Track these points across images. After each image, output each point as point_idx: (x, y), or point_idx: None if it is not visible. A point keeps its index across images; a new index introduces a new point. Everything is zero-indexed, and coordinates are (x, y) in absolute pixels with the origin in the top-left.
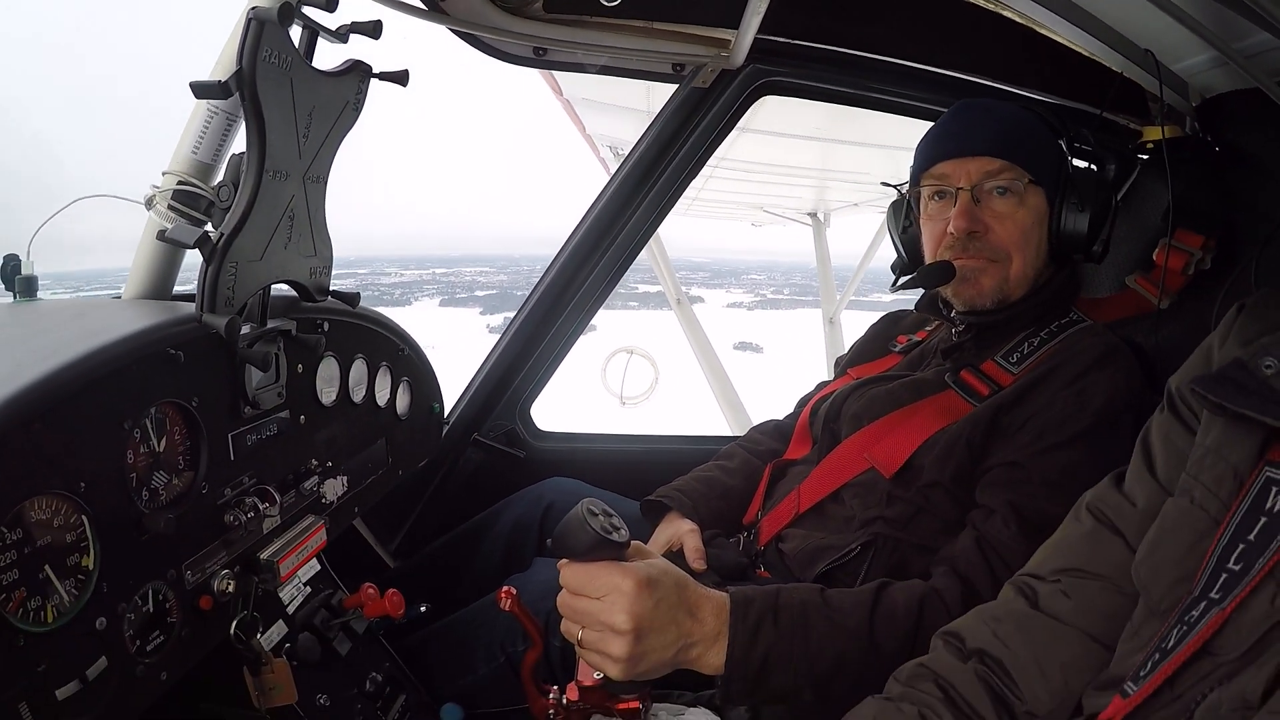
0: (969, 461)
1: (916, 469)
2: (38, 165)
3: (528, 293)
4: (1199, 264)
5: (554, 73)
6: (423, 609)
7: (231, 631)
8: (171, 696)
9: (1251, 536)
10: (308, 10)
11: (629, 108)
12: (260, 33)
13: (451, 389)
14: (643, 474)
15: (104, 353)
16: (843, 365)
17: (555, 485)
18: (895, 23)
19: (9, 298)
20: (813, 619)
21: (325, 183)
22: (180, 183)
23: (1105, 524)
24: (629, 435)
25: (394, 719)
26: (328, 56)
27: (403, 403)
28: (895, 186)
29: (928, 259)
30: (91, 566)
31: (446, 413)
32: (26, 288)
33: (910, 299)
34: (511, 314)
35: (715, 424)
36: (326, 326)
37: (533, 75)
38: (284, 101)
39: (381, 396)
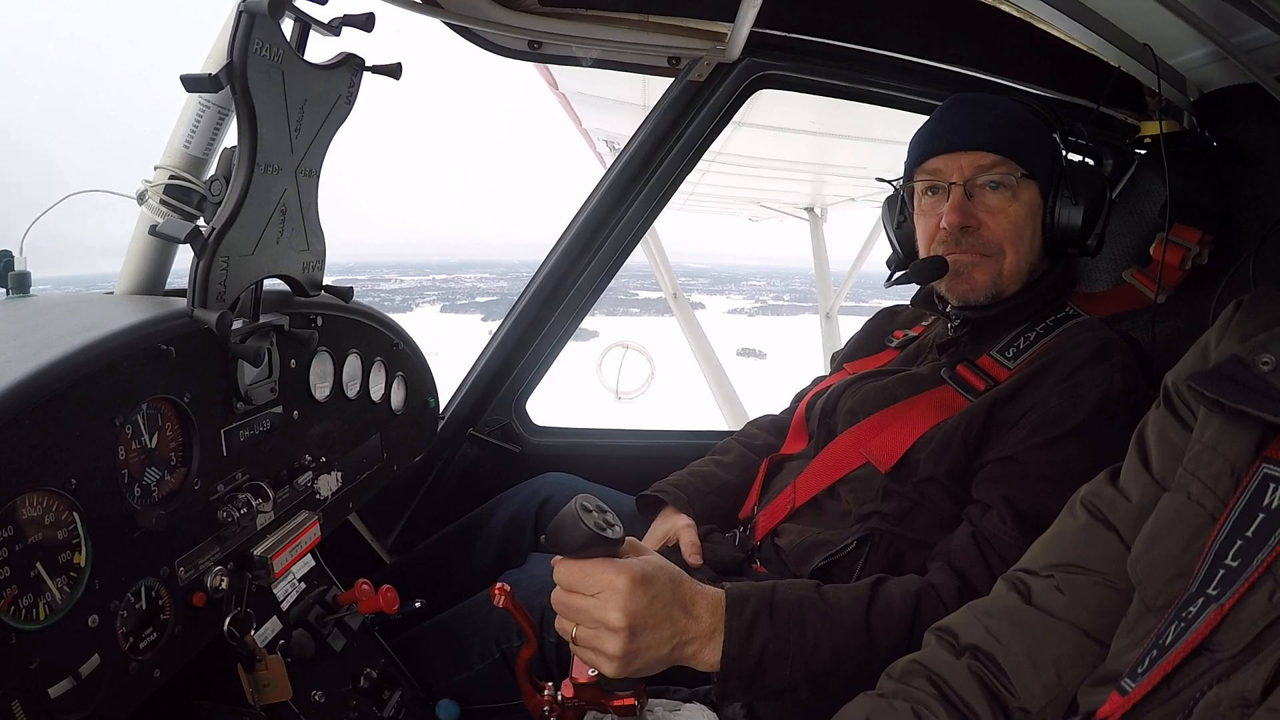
0: (965, 456)
1: (912, 464)
2: (29, 162)
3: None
4: (1196, 259)
5: (549, 66)
6: (417, 605)
7: (225, 628)
8: (165, 694)
9: (1249, 532)
10: (299, 2)
11: (625, 101)
12: (251, 25)
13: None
14: (639, 469)
15: (95, 348)
16: (839, 360)
17: (551, 480)
18: (892, 16)
19: (1, 294)
20: (809, 615)
21: (318, 177)
22: (172, 177)
23: (1099, 519)
24: (625, 430)
25: (389, 715)
26: (320, 49)
27: (397, 398)
28: (890, 182)
29: (922, 254)
30: (83, 563)
31: (442, 408)
32: (19, 284)
33: (906, 294)
34: None
35: (713, 420)
36: (320, 321)
37: (528, 72)
38: (276, 95)
39: (376, 391)
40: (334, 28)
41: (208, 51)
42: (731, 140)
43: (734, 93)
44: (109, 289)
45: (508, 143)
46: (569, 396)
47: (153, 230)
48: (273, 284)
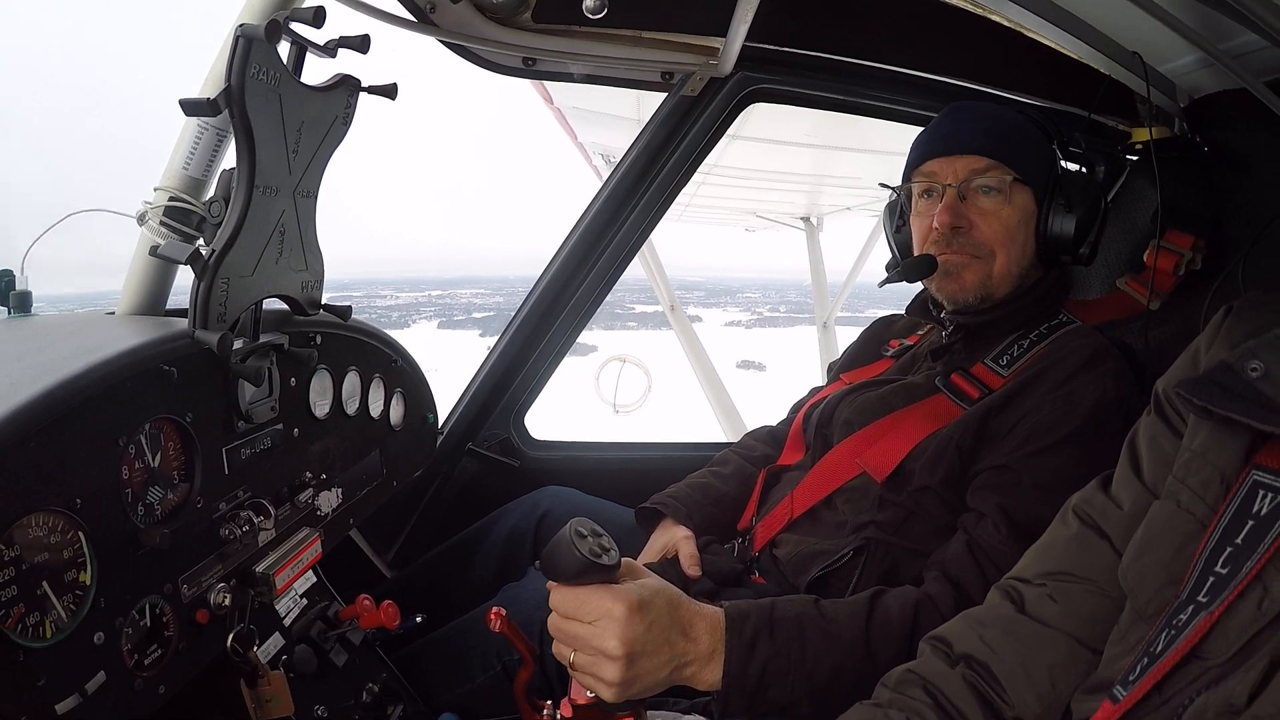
0: (959, 465)
1: (907, 473)
2: (31, 181)
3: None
4: (1189, 264)
5: (545, 82)
6: (418, 619)
7: (228, 644)
8: (169, 710)
9: (1239, 540)
10: (295, 26)
11: (620, 116)
12: (249, 49)
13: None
14: (637, 481)
15: (98, 370)
16: (835, 370)
17: (550, 494)
18: (883, 29)
19: (3, 313)
20: (809, 631)
21: (316, 197)
22: (172, 198)
23: (1091, 527)
24: (623, 443)
25: None
26: (316, 71)
27: (396, 414)
28: (891, 188)
29: (915, 254)
30: (89, 582)
31: (441, 423)
32: (20, 303)
33: (902, 303)
34: None
35: (712, 432)
36: (319, 340)
37: (523, 87)
38: (273, 117)
39: (375, 408)
40: (330, 50)
41: (206, 74)
42: (726, 152)
43: (727, 106)
44: (109, 308)
45: (502, 157)
46: (568, 411)
47: (154, 252)
48: (272, 303)
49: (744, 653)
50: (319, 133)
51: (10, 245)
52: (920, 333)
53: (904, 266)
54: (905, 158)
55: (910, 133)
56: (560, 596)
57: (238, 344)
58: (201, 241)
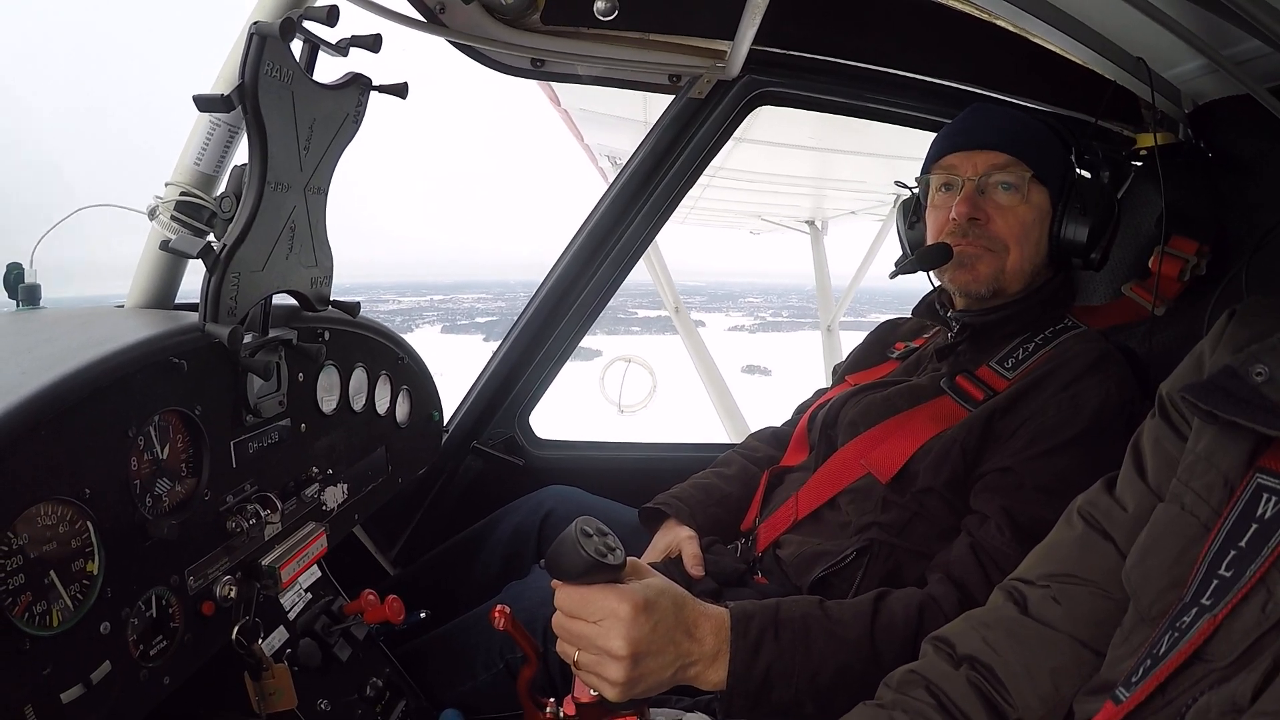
0: (963, 467)
1: (912, 475)
2: (40, 176)
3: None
4: (1194, 270)
5: (552, 84)
6: (422, 615)
7: (233, 637)
8: (173, 701)
9: (1243, 543)
10: (309, 24)
11: (626, 118)
12: (262, 47)
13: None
14: (641, 481)
15: (108, 361)
16: (840, 372)
17: (554, 493)
18: (890, 33)
19: (12, 306)
20: (813, 632)
21: (326, 194)
22: (183, 194)
23: (1096, 529)
24: (627, 443)
25: None
26: (328, 70)
27: (402, 411)
28: (907, 186)
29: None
30: (96, 572)
31: (446, 421)
32: (29, 296)
33: (908, 307)
34: None
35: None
36: (327, 336)
37: (530, 91)
38: (285, 114)
39: (381, 405)
40: (342, 49)
41: (218, 71)
42: (732, 155)
43: (734, 109)
44: (119, 304)
45: (507, 160)
46: (573, 416)
47: (165, 246)
48: (281, 299)
49: (749, 653)
50: (330, 130)
51: (20, 240)
52: (926, 336)
53: (919, 254)
54: (910, 162)
55: (915, 137)
56: (565, 595)
57: (247, 338)
58: (212, 236)
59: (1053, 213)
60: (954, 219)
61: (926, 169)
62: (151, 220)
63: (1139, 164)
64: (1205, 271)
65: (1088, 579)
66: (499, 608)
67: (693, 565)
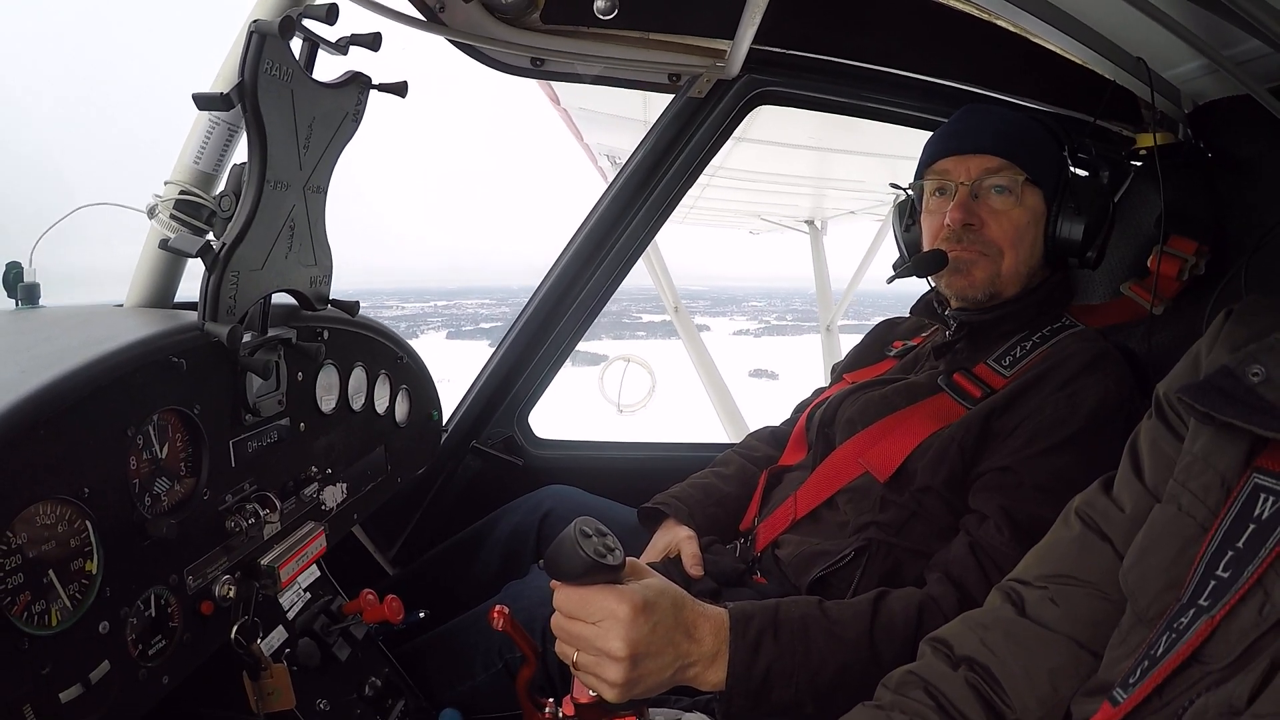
0: (961, 466)
1: (910, 473)
2: (39, 176)
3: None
4: (1192, 269)
5: (552, 83)
6: (421, 615)
7: (232, 636)
8: (171, 701)
9: (1240, 544)
10: (308, 23)
11: (626, 117)
12: (262, 45)
13: None
14: (640, 481)
15: (108, 360)
16: (839, 371)
17: (553, 493)
18: (890, 33)
19: (11, 305)
20: (813, 633)
21: (325, 193)
22: (182, 192)
23: (1093, 529)
24: (626, 443)
25: None
26: (328, 68)
27: (401, 410)
28: (902, 188)
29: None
30: (95, 571)
31: (445, 420)
32: (29, 295)
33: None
34: None
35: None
36: (326, 335)
37: (528, 93)
38: (285, 113)
39: (380, 404)
40: (342, 47)
41: (217, 69)
42: (732, 155)
43: (734, 109)
44: (118, 303)
45: (506, 162)
46: (581, 423)
47: (164, 245)
48: (280, 298)
49: (748, 654)
50: (330, 129)
51: (19, 240)
52: (924, 334)
53: (914, 261)
54: (910, 162)
55: (915, 137)
56: (564, 596)
57: (247, 337)
58: (211, 235)
59: (1047, 213)
60: (948, 225)
61: (920, 173)
62: (151, 219)
63: (1138, 164)
64: (1204, 271)
65: (1085, 580)
66: (497, 608)
67: (692, 565)
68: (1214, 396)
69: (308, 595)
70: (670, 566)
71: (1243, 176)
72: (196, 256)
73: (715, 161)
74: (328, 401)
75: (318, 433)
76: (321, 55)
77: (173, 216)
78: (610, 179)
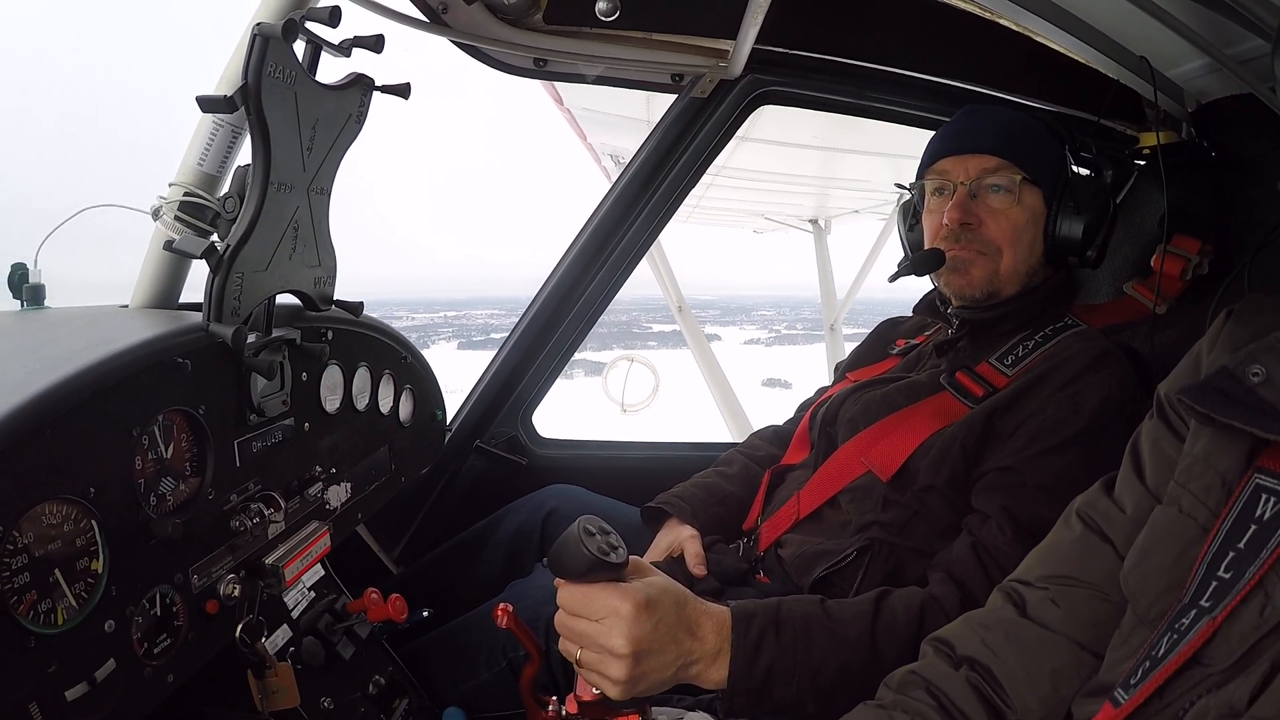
0: (963, 465)
1: (912, 473)
2: (42, 179)
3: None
4: (1196, 269)
5: (555, 84)
6: (425, 614)
7: (236, 635)
8: (176, 699)
9: (1241, 544)
10: (311, 25)
11: (629, 117)
12: (265, 48)
13: None
14: (643, 481)
15: (113, 361)
16: (842, 370)
17: (557, 492)
18: (892, 32)
19: (17, 306)
20: (815, 631)
21: (329, 194)
22: (186, 194)
23: (1094, 530)
24: (630, 442)
25: None
26: (331, 70)
27: (405, 410)
28: (906, 188)
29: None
30: (100, 570)
31: (449, 420)
32: (34, 296)
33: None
34: None
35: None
36: (330, 335)
37: (531, 97)
38: (288, 115)
39: (384, 404)
40: (345, 49)
41: (221, 72)
42: (735, 154)
43: (737, 108)
44: (123, 304)
45: (510, 167)
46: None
47: (169, 246)
48: (284, 299)
49: (750, 652)
50: (333, 130)
51: (22, 244)
52: (927, 333)
53: (912, 261)
54: (914, 160)
55: (919, 136)
56: (568, 594)
57: (251, 338)
58: (216, 237)
59: (1047, 212)
60: (946, 224)
61: (920, 174)
62: (155, 221)
63: (1142, 163)
64: (1207, 271)
65: (1086, 581)
66: (501, 606)
67: (695, 564)
68: (1214, 398)
69: (312, 594)
70: (673, 566)
71: (1246, 175)
72: (201, 258)
73: (719, 161)
74: (332, 401)
75: (322, 432)
76: (325, 58)
77: (177, 218)
78: (614, 179)
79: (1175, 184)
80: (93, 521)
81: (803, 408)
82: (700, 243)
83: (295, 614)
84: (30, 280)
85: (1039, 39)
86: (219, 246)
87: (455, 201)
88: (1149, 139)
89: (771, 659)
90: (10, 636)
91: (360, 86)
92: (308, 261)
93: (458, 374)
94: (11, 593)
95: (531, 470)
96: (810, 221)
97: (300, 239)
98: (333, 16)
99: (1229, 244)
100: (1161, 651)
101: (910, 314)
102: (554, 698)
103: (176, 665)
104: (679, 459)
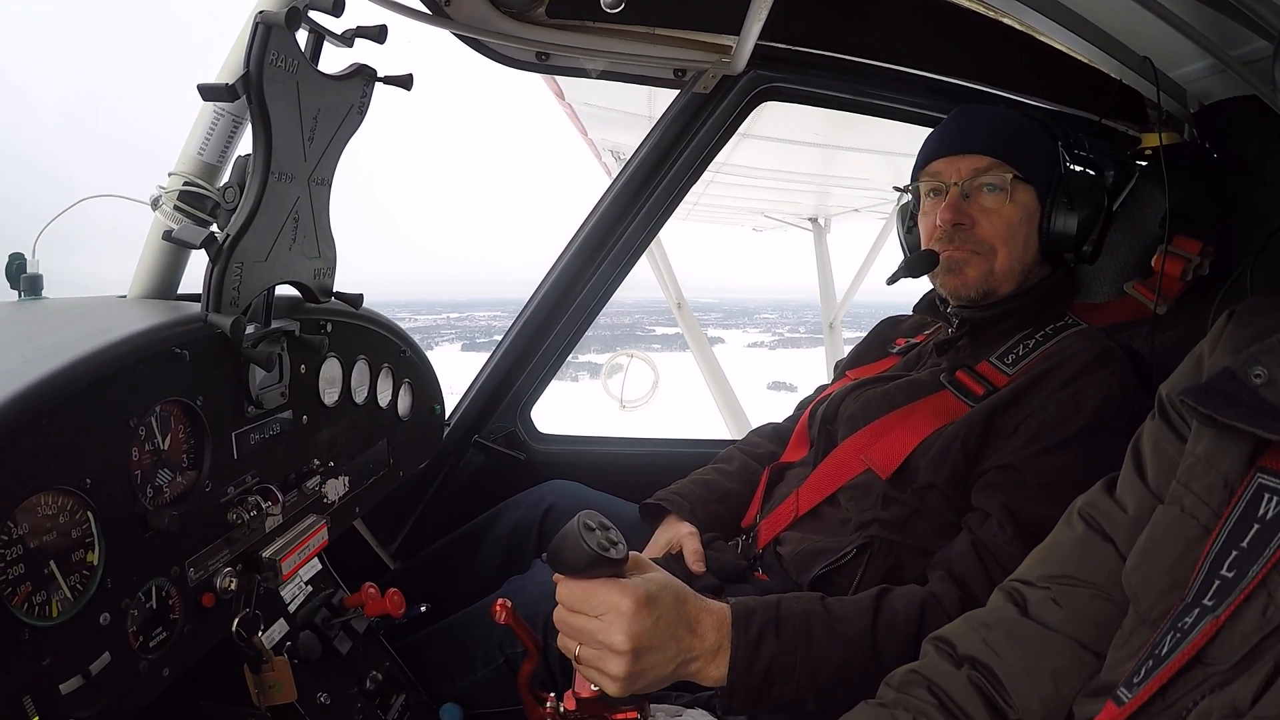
0: (964, 464)
1: (912, 470)
2: (39, 171)
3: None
4: (1197, 270)
5: (557, 78)
6: (423, 609)
7: (233, 629)
8: (171, 693)
9: (1244, 544)
10: (314, 15)
11: (631, 113)
12: (267, 37)
13: None
14: (642, 477)
15: (110, 351)
16: (841, 368)
17: (555, 488)
18: (896, 29)
19: (14, 296)
20: (815, 629)
21: (330, 185)
22: (186, 184)
23: (1096, 530)
24: (628, 439)
25: (393, 718)
26: (333, 60)
27: (404, 404)
28: (904, 190)
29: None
30: (96, 562)
31: (447, 415)
32: (31, 286)
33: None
34: None
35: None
36: (329, 327)
37: (533, 90)
38: (290, 104)
39: (383, 397)
40: (347, 39)
41: (222, 61)
42: (736, 151)
43: (739, 104)
44: (121, 295)
45: (510, 166)
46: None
47: (168, 236)
48: (284, 290)
49: (750, 649)
50: (335, 121)
51: (22, 233)
52: (927, 332)
53: (907, 262)
54: (913, 160)
55: (919, 135)
56: (567, 589)
57: (250, 329)
58: (215, 227)
59: (1041, 209)
60: (939, 225)
61: (915, 176)
62: (154, 210)
63: (1143, 164)
64: (1208, 272)
65: (1088, 581)
66: (500, 601)
67: (693, 561)
68: (1216, 398)
69: (309, 588)
70: (672, 563)
71: (1248, 177)
72: (200, 248)
73: (719, 158)
74: (330, 394)
75: (320, 425)
76: (327, 48)
77: (176, 208)
78: (614, 175)
79: (1177, 185)
80: (88, 513)
81: (802, 405)
82: (700, 241)
83: (292, 608)
84: (28, 270)
85: (1042, 38)
86: (218, 236)
87: (455, 200)
88: (1151, 140)
89: (771, 656)
90: (4, 629)
91: (362, 77)
92: (307, 253)
93: (463, 377)
94: (6, 584)
95: (530, 466)
96: (810, 220)
97: (300, 230)
98: (336, 6)
99: (1230, 245)
100: (1164, 650)
101: (910, 313)
102: (552, 694)
103: (172, 659)
104: (678, 455)
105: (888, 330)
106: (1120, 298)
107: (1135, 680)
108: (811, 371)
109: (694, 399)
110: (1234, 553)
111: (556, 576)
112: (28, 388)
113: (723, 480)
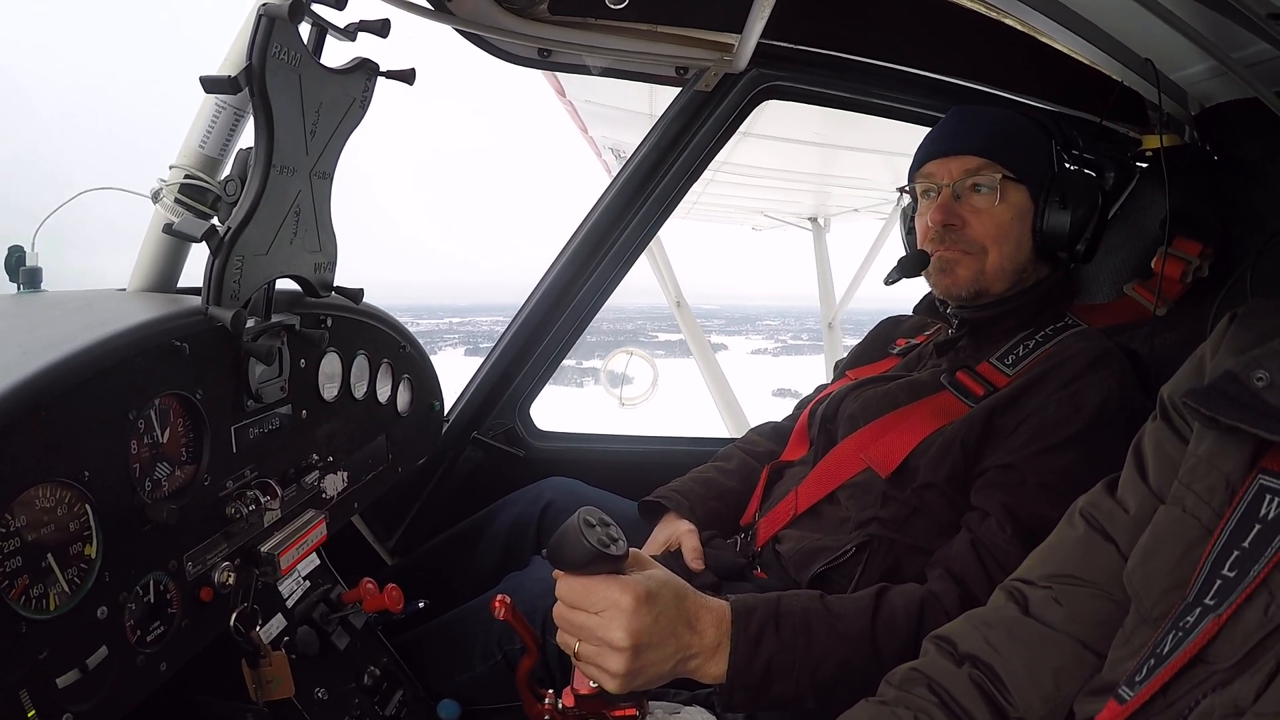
0: (964, 463)
1: (912, 470)
2: (39, 167)
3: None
4: (1197, 272)
5: (558, 74)
6: (421, 605)
7: (231, 623)
8: (169, 688)
9: (1246, 544)
10: (317, 8)
11: (632, 111)
12: (271, 29)
13: None
14: (641, 474)
15: (110, 343)
16: (841, 368)
17: (554, 485)
18: (898, 29)
19: (13, 289)
20: (815, 627)
21: (331, 179)
22: (187, 176)
23: (1098, 530)
24: (627, 436)
25: (391, 714)
26: (335, 54)
27: (403, 400)
28: (904, 191)
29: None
30: (94, 555)
31: (446, 411)
32: (31, 279)
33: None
34: None
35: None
36: (330, 322)
37: (535, 87)
38: (292, 97)
39: (382, 393)
40: (350, 33)
41: (224, 53)
42: (737, 150)
43: (740, 103)
44: (121, 287)
45: (509, 170)
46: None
47: (169, 229)
48: (284, 284)
49: (749, 647)
50: (337, 114)
51: (22, 226)
52: (927, 333)
53: (899, 264)
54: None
55: (918, 134)
56: (567, 586)
57: (250, 323)
58: (216, 220)
59: (1034, 208)
60: (930, 226)
61: (911, 177)
62: (155, 203)
63: (1144, 165)
64: (1208, 274)
65: (1089, 580)
66: (499, 597)
67: (692, 559)
68: (1218, 400)
69: (307, 583)
70: (670, 560)
71: (1249, 180)
72: (201, 240)
73: (720, 157)
74: (330, 389)
75: (319, 420)
76: (329, 41)
77: (177, 200)
78: (614, 173)
79: (1177, 187)
80: (87, 506)
81: (801, 404)
82: (699, 242)
83: (290, 603)
84: (27, 263)
85: (1043, 39)
86: (219, 229)
87: (455, 201)
88: (1151, 141)
89: (771, 654)
90: (1, 622)
91: (365, 71)
92: (308, 246)
93: (467, 381)
94: (3, 577)
95: (528, 462)
96: (809, 219)
97: (301, 223)
98: None
99: (1230, 248)
100: (1166, 649)
101: (911, 314)
102: (551, 691)
103: (170, 653)
104: (677, 453)
105: (888, 330)
106: (1120, 299)
107: (1137, 679)
108: (815, 378)
109: (696, 406)
110: (1235, 553)
111: (556, 573)
112: (26, 379)
113: (722, 478)
